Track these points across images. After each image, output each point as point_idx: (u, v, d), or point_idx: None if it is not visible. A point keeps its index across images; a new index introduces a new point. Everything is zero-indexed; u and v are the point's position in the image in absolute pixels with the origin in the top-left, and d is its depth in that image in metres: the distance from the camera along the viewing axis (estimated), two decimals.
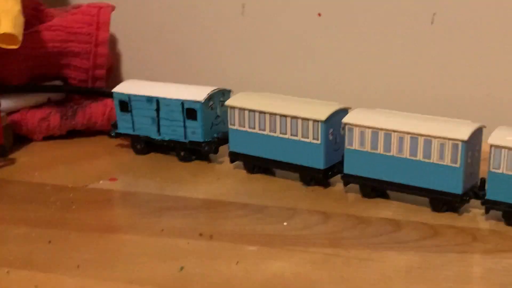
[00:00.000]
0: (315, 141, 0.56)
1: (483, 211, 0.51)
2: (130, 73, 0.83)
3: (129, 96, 0.65)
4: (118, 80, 0.78)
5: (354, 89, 0.74)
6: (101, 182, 0.60)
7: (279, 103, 0.59)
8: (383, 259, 0.45)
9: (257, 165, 0.61)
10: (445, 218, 0.52)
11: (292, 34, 0.76)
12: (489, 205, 0.51)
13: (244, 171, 0.62)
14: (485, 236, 0.49)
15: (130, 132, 0.67)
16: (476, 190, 0.52)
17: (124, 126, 0.67)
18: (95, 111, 0.71)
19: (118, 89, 0.67)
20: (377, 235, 0.49)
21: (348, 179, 0.56)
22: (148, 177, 0.62)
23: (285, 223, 0.51)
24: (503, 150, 0.49)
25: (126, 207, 0.56)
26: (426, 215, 0.52)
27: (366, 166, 0.55)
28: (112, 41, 0.82)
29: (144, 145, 0.67)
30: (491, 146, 0.50)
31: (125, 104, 0.65)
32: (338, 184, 0.58)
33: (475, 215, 0.52)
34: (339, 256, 0.46)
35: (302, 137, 0.57)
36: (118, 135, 0.68)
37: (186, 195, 0.57)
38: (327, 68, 0.76)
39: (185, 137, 0.64)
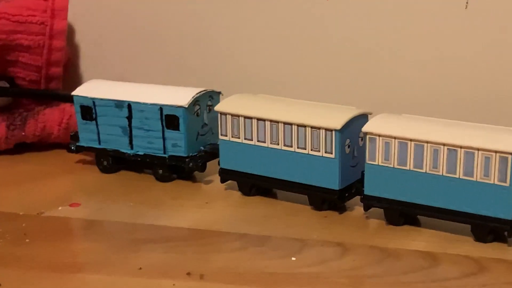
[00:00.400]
0: (328, 155, 0.55)
1: None
2: (93, 71, 0.81)
3: (93, 100, 0.64)
4: (77, 81, 0.77)
5: (373, 89, 0.73)
6: (60, 208, 0.58)
7: (281, 107, 0.58)
8: None
9: (256, 185, 0.61)
10: (492, 250, 0.51)
11: (295, 22, 0.75)
12: None
13: (239, 193, 0.61)
14: None
15: (95, 145, 0.66)
16: None
17: (87, 138, 0.66)
18: (50, 119, 0.70)
19: (80, 91, 0.65)
20: (408, 272, 0.48)
21: (369, 202, 0.55)
22: (119, 202, 0.61)
23: (293, 258, 0.49)
24: None
25: (92, 240, 0.54)
26: (468, 246, 0.51)
27: (392, 185, 0.54)
28: (70, 32, 0.80)
29: (112, 162, 0.66)
30: None
31: (89, 110, 0.64)
32: (357, 209, 0.58)
33: None
34: None
35: (312, 150, 0.56)
36: (80, 149, 0.67)
37: (167, 223, 0.56)
38: (338, 63, 0.74)
39: (165, 151, 0.63)
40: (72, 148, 0.67)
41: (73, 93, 0.66)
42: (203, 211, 0.58)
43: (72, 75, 0.81)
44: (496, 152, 0.49)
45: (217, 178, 0.62)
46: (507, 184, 0.49)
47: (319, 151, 0.56)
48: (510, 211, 0.50)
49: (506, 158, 0.49)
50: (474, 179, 0.50)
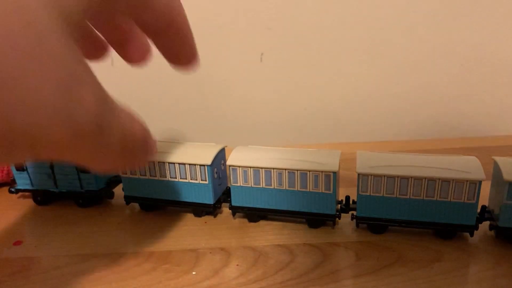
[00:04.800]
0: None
1: None
2: None
3: None
4: None
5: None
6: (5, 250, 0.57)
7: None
8: None
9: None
10: (325, 234, 0.57)
11: None
12: None
13: (138, 210, 0.66)
14: None
15: (29, 187, 0.69)
16: None
17: (22, 183, 0.69)
18: None
19: None
20: (278, 271, 0.51)
21: (236, 210, 0.63)
22: (53, 235, 0.61)
23: (193, 272, 0.52)
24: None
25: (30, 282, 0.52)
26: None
27: (250, 198, 0.61)
28: None
29: (44, 197, 0.69)
30: None
31: (20, 164, 0.67)
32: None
33: None
34: None
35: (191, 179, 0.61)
36: (19, 191, 0.69)
37: (89, 251, 0.57)
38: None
39: (82, 187, 0.67)
40: (13, 190, 0.70)
41: None
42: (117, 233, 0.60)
43: None
44: (322, 171, 0.56)
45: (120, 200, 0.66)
46: (331, 192, 0.57)
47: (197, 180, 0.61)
48: (333, 209, 0.58)
49: (329, 175, 0.56)
50: (308, 190, 0.58)
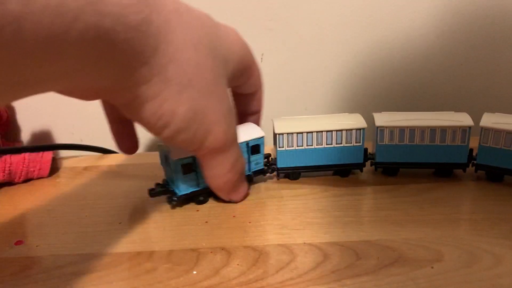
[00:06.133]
0: None
1: None
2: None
3: (193, 157, 0.63)
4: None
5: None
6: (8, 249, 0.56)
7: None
8: None
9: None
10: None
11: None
12: None
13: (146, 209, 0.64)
14: None
15: (195, 188, 0.65)
16: None
17: (186, 186, 0.65)
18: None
19: (177, 155, 0.62)
20: (278, 270, 0.50)
21: (379, 165, 0.74)
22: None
23: (194, 272, 0.51)
24: None
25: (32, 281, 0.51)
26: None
27: (394, 153, 0.72)
28: None
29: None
30: None
31: (189, 166, 0.64)
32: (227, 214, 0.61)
33: None
34: None
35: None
36: (181, 198, 0.65)
37: (90, 251, 0.56)
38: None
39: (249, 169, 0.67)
40: (174, 198, 0.65)
41: (172, 157, 0.62)
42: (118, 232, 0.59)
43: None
44: (458, 127, 0.68)
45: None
46: (465, 144, 0.68)
47: None
48: (465, 158, 0.69)
49: (466, 130, 0.67)
50: (445, 143, 0.69)
